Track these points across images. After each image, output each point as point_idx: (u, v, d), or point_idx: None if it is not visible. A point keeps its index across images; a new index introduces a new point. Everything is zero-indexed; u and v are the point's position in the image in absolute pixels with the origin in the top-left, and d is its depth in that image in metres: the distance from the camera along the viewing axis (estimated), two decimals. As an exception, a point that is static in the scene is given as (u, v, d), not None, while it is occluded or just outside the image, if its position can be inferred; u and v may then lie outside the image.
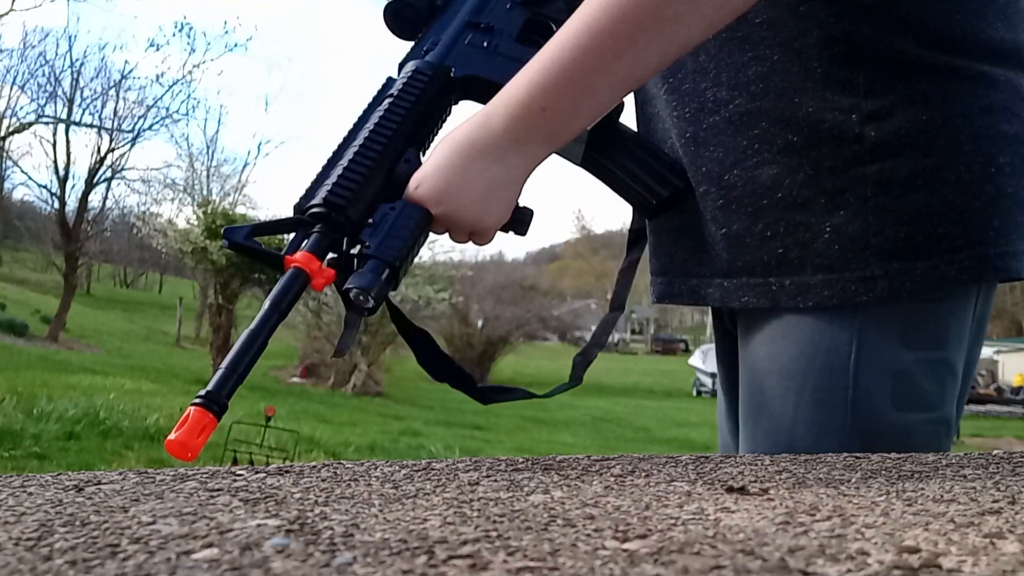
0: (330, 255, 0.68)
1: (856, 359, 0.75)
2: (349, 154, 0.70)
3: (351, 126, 0.74)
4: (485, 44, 0.78)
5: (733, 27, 0.75)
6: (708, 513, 0.47)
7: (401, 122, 0.72)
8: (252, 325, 0.62)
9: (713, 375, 19.44)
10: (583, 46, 0.65)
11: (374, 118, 0.73)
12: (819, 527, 0.43)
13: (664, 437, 11.40)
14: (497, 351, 19.45)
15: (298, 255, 0.65)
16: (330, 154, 0.72)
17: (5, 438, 5.40)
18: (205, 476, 0.57)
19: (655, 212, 0.83)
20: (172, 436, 0.56)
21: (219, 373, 0.59)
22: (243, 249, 0.66)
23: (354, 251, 0.68)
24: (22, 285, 26.92)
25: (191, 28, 32.78)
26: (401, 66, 0.78)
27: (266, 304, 0.63)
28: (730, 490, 0.54)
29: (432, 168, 0.69)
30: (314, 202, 0.68)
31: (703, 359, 20.61)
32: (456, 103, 0.78)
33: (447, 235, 0.72)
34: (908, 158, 0.73)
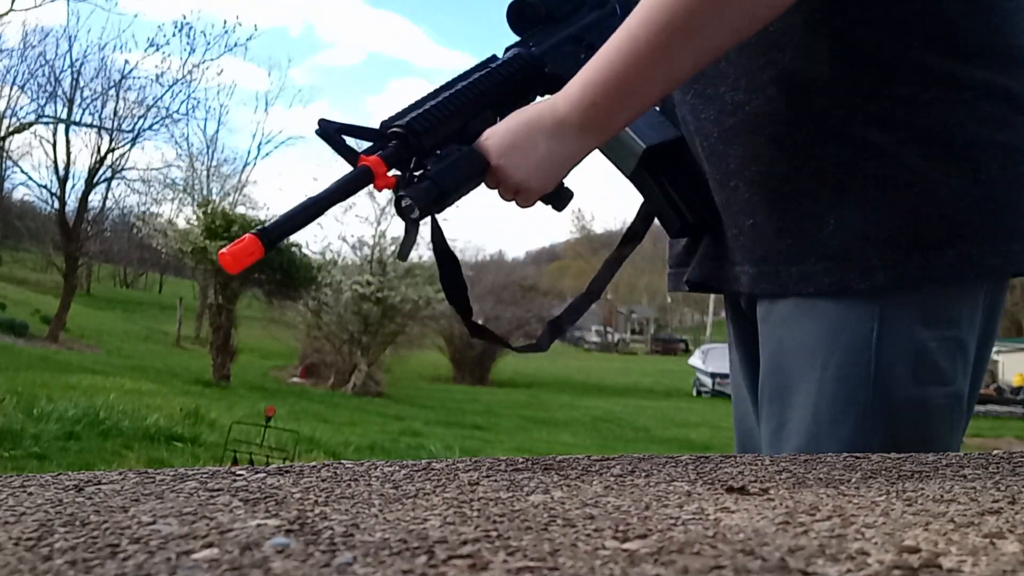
0: (396, 172, 0.79)
1: (878, 336, 0.79)
2: (442, 96, 0.82)
3: (453, 78, 0.86)
4: (581, 56, 0.88)
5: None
6: (708, 513, 0.47)
7: (492, 88, 0.85)
8: (315, 195, 0.73)
9: (713, 375, 19.45)
10: (625, 54, 0.74)
11: (473, 77, 0.85)
12: (819, 527, 0.43)
13: (664, 437, 11.40)
14: (497, 352, 19.43)
15: (371, 157, 0.77)
16: (427, 92, 0.83)
17: (5, 438, 5.38)
18: (205, 476, 0.57)
19: (679, 233, 0.93)
20: (225, 250, 0.66)
21: (278, 218, 0.71)
22: (329, 139, 0.77)
23: (417, 173, 0.79)
24: (22, 285, 26.92)
25: (191, 28, 32.48)
26: (507, 50, 0.91)
27: (332, 183, 0.74)
28: (730, 490, 0.54)
29: (503, 128, 0.81)
30: (399, 122, 0.79)
31: (703, 359, 20.61)
32: (541, 95, 0.89)
33: (496, 191, 0.82)
34: (906, 161, 0.78)
